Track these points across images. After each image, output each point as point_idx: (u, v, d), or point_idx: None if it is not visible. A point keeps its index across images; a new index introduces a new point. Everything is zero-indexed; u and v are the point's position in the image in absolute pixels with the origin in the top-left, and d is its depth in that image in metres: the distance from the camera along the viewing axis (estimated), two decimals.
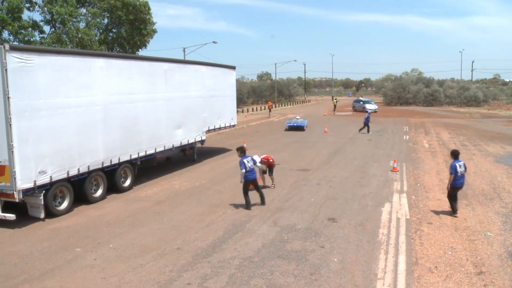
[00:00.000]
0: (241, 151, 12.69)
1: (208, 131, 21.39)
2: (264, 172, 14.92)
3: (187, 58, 46.78)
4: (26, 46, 16.22)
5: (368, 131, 32.65)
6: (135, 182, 15.62)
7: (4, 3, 29.98)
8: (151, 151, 16.20)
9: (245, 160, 12.33)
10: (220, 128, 23.00)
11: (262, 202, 12.91)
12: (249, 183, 12.50)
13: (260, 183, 14.68)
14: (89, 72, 12.97)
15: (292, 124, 35.61)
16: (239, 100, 54.23)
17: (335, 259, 8.94)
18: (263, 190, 13.48)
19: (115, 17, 35.08)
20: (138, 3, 34.93)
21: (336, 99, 66.76)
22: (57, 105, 11.74)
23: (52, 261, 8.99)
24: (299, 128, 35.13)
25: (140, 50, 38.45)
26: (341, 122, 42.43)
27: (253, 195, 12.86)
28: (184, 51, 50.08)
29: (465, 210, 12.35)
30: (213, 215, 11.97)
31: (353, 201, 13.40)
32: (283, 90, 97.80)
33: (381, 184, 15.63)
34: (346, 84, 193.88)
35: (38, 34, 33.39)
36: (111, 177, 14.28)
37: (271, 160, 14.91)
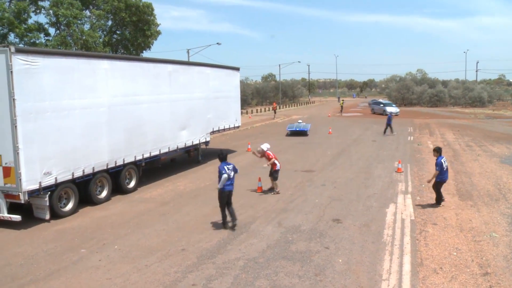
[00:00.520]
0: (221, 157, 11.12)
1: (213, 132, 21.40)
2: (262, 155, 14.65)
3: (191, 59, 46.90)
4: (31, 48, 16.34)
5: (392, 131, 32.11)
6: (140, 183, 15.66)
7: (11, 6, 30.19)
8: (156, 153, 16.23)
9: (225, 167, 10.83)
10: (224, 130, 23.01)
11: (232, 220, 11.09)
12: (225, 195, 10.87)
13: (268, 185, 14.62)
14: (94, 74, 13.02)
15: (294, 129, 32.44)
16: (243, 102, 54.33)
17: (340, 260, 8.93)
18: (269, 195, 13.42)
19: (119, 19, 35.26)
20: (141, 4, 35.07)
21: (343, 100, 66.83)
22: (62, 106, 11.79)
23: (58, 262, 9.03)
24: (301, 133, 32.16)
25: (144, 51, 38.66)
26: (345, 123, 42.37)
27: (253, 198, 12.83)
28: (188, 52, 50.31)
29: (470, 211, 12.31)
30: (218, 216, 11.94)
31: (357, 202, 13.38)
32: (287, 91, 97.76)
33: (385, 185, 15.60)
34: (350, 85, 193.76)
35: (43, 37, 33.64)
36: (116, 178, 14.31)
37: (271, 156, 14.33)
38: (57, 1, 31.31)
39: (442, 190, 13.00)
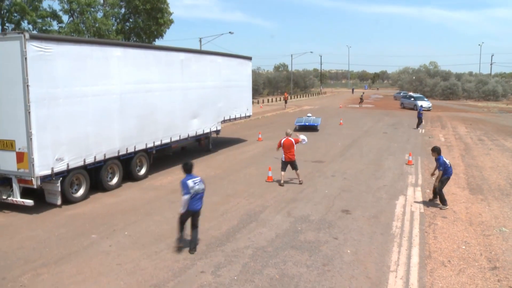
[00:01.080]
0: (186, 168, 8.77)
1: (224, 121, 21.44)
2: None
3: (203, 48, 46.83)
4: (45, 35, 16.44)
5: (418, 126, 31.39)
6: (150, 170, 15.77)
7: None
8: (167, 140, 16.32)
9: (189, 181, 8.53)
10: (235, 119, 23.00)
11: (191, 248, 8.84)
12: (189, 215, 8.75)
13: (278, 175, 14.57)
14: (106, 61, 13.08)
15: (303, 123, 29.58)
16: (255, 91, 54.30)
17: (348, 251, 8.96)
18: (294, 185, 13.36)
19: (132, 7, 35.27)
20: None
21: (363, 92, 66.60)
22: (75, 93, 11.88)
23: (69, 246, 9.17)
24: (311, 128, 29.25)
25: (156, 39, 38.69)
26: (357, 115, 42.15)
27: (263, 187, 12.85)
28: (200, 41, 50.20)
29: (480, 205, 12.24)
30: (227, 205, 12.05)
31: (367, 193, 13.37)
32: (299, 82, 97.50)
33: (396, 177, 15.55)
34: (362, 77, 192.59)
35: (57, 24, 33.80)
36: (127, 166, 14.43)
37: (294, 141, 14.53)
38: None
39: (451, 184, 12.81)
